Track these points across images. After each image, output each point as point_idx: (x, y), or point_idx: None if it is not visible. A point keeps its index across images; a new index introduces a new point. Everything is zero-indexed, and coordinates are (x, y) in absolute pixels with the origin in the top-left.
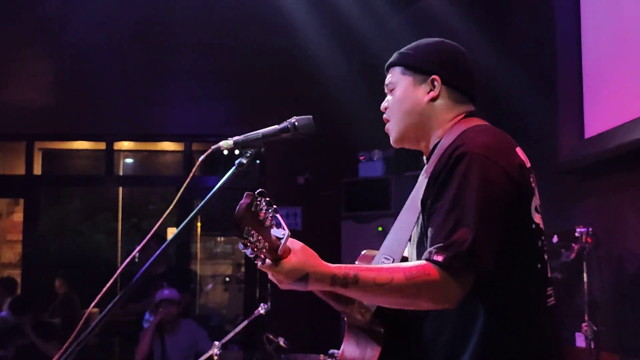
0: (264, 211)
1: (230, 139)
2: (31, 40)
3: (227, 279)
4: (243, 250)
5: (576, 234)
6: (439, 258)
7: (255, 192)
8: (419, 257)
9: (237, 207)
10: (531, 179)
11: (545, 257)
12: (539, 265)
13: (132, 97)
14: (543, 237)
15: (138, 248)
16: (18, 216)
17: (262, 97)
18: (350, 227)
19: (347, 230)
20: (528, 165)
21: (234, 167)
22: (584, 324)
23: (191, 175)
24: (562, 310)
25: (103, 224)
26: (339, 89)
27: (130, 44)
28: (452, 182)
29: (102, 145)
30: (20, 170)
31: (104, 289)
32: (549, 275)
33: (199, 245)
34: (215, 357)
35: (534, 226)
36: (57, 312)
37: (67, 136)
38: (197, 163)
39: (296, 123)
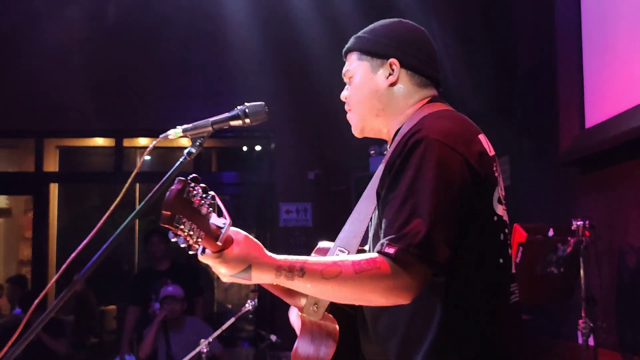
0: (199, 198)
1: (179, 127)
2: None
3: None
4: (173, 240)
5: (573, 227)
6: (391, 250)
7: (188, 178)
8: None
9: (167, 194)
10: (494, 168)
11: (509, 251)
12: (501, 260)
13: (148, 93)
14: (507, 230)
15: (84, 243)
16: None
17: (274, 92)
18: None
19: None
20: (491, 153)
21: (182, 157)
22: (580, 320)
23: (136, 169)
24: (559, 306)
25: (120, 221)
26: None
27: (144, 39)
28: (407, 170)
29: (119, 143)
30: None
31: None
32: (513, 270)
33: None
34: (203, 355)
35: (495, 218)
36: (72, 309)
37: (78, 133)
38: (145, 153)
39: (247, 110)
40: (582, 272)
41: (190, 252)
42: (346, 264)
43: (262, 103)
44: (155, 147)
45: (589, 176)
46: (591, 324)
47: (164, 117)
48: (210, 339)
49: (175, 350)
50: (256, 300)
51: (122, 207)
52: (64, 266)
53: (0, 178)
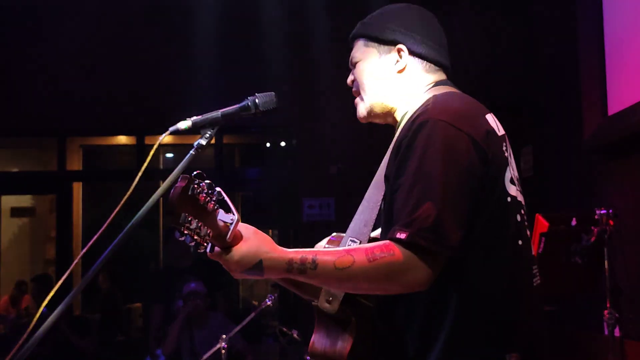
0: (205, 194)
1: (188, 119)
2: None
3: None
4: (180, 239)
5: (596, 217)
6: (402, 236)
7: (192, 174)
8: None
9: (172, 191)
10: (504, 148)
11: (528, 233)
12: (520, 242)
13: (169, 91)
14: (523, 212)
15: (94, 238)
16: None
17: (296, 88)
18: None
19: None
20: (500, 133)
21: (192, 150)
22: (605, 311)
23: (146, 163)
24: (584, 297)
25: (144, 218)
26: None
27: (166, 38)
28: (414, 153)
29: (140, 140)
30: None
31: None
32: (533, 252)
33: None
34: (223, 351)
35: (509, 199)
36: (98, 308)
37: (101, 132)
38: (154, 148)
39: (257, 100)
40: (606, 262)
41: (199, 251)
42: (359, 253)
43: (272, 93)
44: (176, 144)
45: (612, 164)
46: (617, 315)
47: (186, 114)
48: (231, 335)
49: (199, 346)
50: (276, 295)
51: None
52: (71, 266)
53: (24, 177)
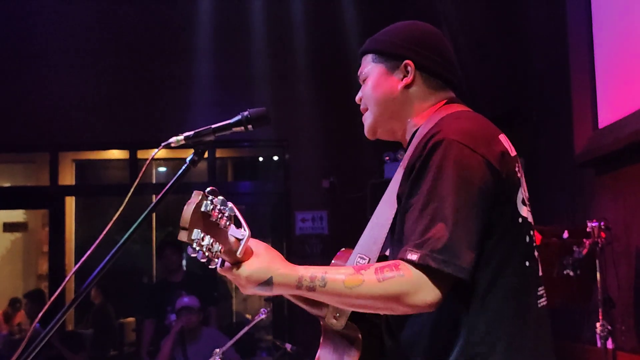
0: (217, 211)
1: (181, 134)
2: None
3: None
4: (193, 255)
5: (588, 229)
6: (414, 257)
7: (206, 190)
8: (395, 257)
9: (184, 208)
10: (517, 169)
11: (536, 254)
12: (527, 263)
13: (162, 106)
14: (532, 232)
15: (87, 253)
16: None
17: (288, 102)
18: None
19: None
20: (513, 153)
21: (185, 165)
22: (598, 323)
23: (139, 177)
24: (577, 309)
25: (138, 233)
26: None
27: (157, 54)
28: (427, 174)
29: (133, 155)
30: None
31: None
32: (540, 273)
33: None
34: None
35: (520, 220)
36: (91, 322)
37: (93, 146)
38: (147, 162)
39: (249, 115)
40: (598, 274)
41: (210, 266)
42: (369, 272)
43: (264, 108)
44: (169, 159)
45: (604, 177)
46: (609, 327)
47: (178, 129)
48: (225, 348)
49: None
50: (270, 309)
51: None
52: (65, 281)
53: (17, 192)
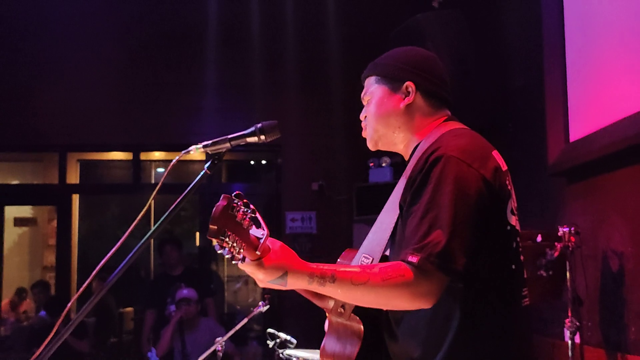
0: (242, 212)
1: (200, 144)
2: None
3: None
4: (219, 252)
5: (559, 234)
6: (414, 259)
7: (232, 195)
8: (397, 258)
9: (214, 210)
10: (507, 182)
11: (521, 258)
12: (513, 266)
13: (163, 111)
14: (519, 239)
15: (114, 248)
16: None
17: (281, 110)
18: (362, 230)
19: (359, 233)
20: (504, 168)
21: (202, 171)
22: (567, 320)
23: (161, 181)
24: (548, 306)
25: (137, 229)
26: (352, 100)
27: (159, 62)
28: (428, 185)
29: (136, 156)
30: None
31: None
32: (525, 276)
33: None
34: (219, 353)
35: (509, 228)
36: (93, 312)
37: (99, 147)
38: (169, 168)
39: (263, 127)
40: (568, 274)
41: (233, 262)
42: (374, 271)
43: (276, 122)
44: (168, 160)
45: (574, 186)
46: (577, 323)
47: (177, 133)
48: (226, 338)
49: (190, 349)
50: (267, 301)
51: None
52: (94, 272)
53: (26, 189)
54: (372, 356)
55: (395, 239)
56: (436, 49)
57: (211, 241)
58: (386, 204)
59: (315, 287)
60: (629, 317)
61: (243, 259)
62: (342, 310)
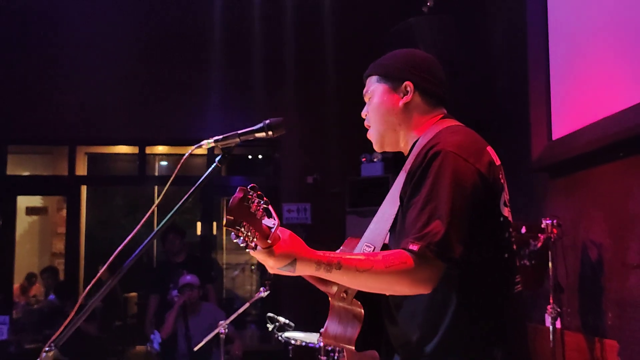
0: (256, 204)
1: (211, 138)
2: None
3: (253, 267)
4: (235, 240)
5: (542, 226)
6: (414, 247)
7: (248, 187)
8: (397, 247)
9: (231, 201)
10: (500, 176)
11: (514, 247)
12: (506, 255)
13: (168, 107)
14: (511, 229)
15: (129, 237)
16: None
17: (279, 107)
18: (354, 221)
19: (351, 224)
20: (498, 162)
21: (213, 165)
22: (549, 306)
23: (175, 172)
24: (531, 293)
25: (141, 219)
26: (346, 98)
27: (165, 60)
28: (427, 178)
29: (141, 150)
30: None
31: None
32: (517, 264)
33: (224, 237)
34: (222, 335)
35: (502, 219)
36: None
37: (107, 141)
38: (182, 161)
39: (270, 124)
40: (550, 264)
41: (247, 250)
42: (377, 259)
43: (282, 118)
44: (171, 154)
45: (556, 181)
46: (558, 309)
47: (182, 128)
48: (229, 321)
49: (193, 332)
50: (267, 287)
51: (143, 208)
52: (110, 259)
53: (37, 180)
54: (371, 339)
55: (395, 229)
56: (426, 50)
57: (210, 230)
58: (387, 196)
59: (322, 274)
60: (606, 304)
61: (255, 247)
62: (345, 295)
